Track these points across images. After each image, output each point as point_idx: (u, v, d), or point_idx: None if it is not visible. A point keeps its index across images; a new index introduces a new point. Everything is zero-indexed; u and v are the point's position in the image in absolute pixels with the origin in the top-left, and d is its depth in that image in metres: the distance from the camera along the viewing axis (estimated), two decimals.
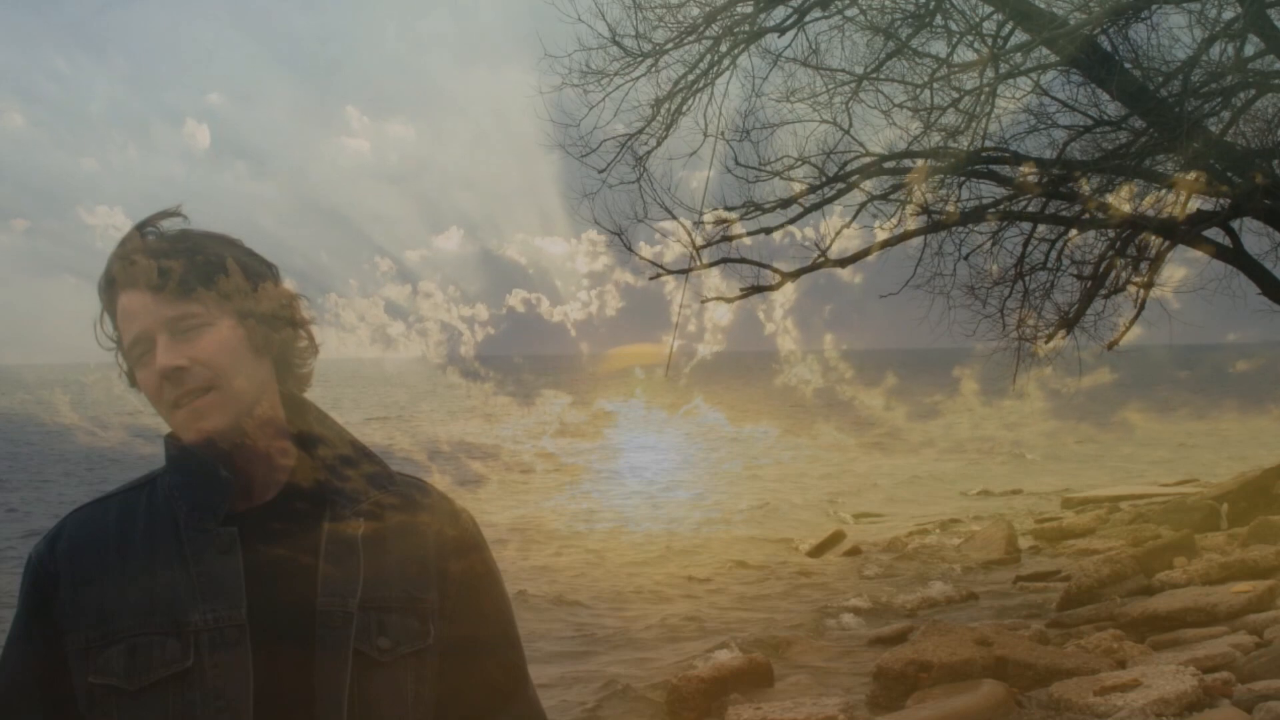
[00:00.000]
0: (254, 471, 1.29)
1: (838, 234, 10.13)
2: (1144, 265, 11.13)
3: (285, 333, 1.33)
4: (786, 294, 10.20)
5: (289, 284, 1.38)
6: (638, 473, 22.61)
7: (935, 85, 9.01)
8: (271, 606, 1.21)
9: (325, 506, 1.29)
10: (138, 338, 1.26)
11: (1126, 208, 9.74)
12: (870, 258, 10.17)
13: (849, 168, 9.87)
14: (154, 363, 1.25)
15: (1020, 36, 8.78)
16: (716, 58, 9.47)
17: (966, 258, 10.95)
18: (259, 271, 1.32)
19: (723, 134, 9.79)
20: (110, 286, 1.28)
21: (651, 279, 10.18)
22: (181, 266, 1.26)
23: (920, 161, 9.57)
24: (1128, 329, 11.56)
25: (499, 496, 18.74)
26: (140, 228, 1.29)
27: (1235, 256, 9.88)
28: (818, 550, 12.75)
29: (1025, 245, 11.13)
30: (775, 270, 10.23)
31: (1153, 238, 10.32)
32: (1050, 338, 11.37)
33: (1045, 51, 8.41)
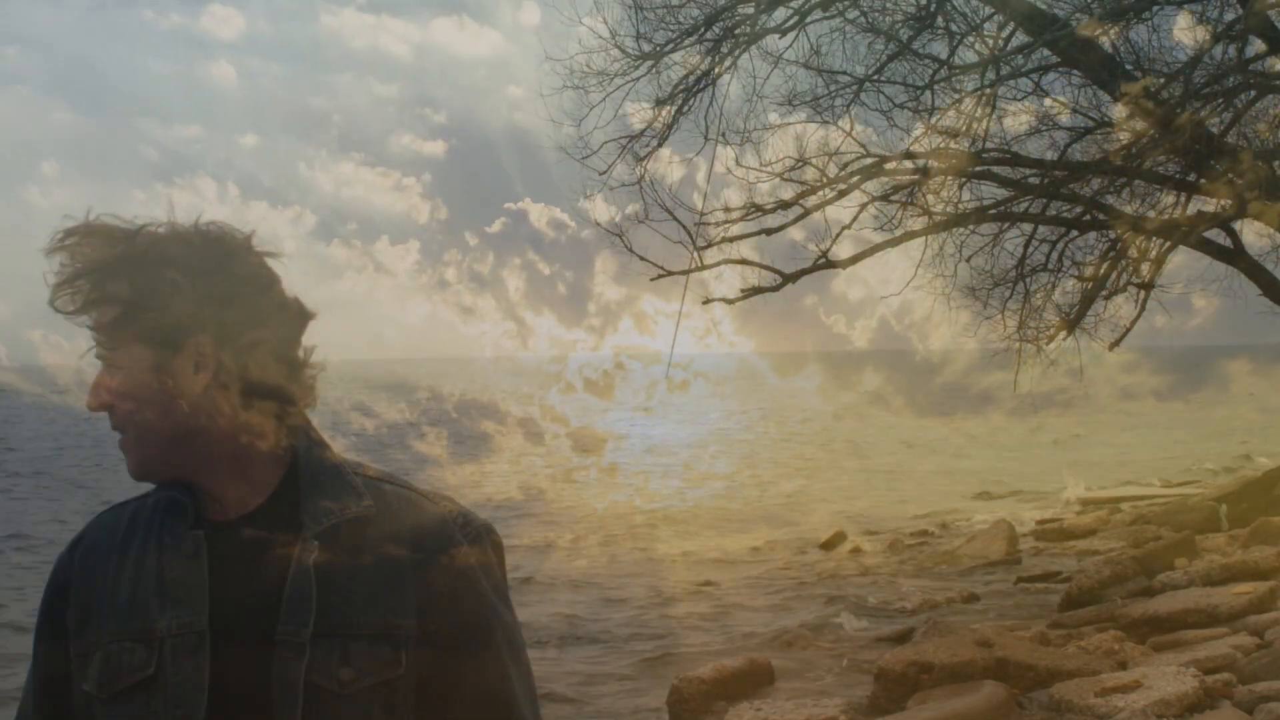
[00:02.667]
0: (224, 492, 1.22)
1: (838, 235, 10.15)
2: (1144, 266, 11.15)
3: (246, 356, 1.18)
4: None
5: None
6: (637, 466, 22.64)
7: (936, 87, 9.03)
8: (233, 621, 1.17)
9: (299, 526, 1.21)
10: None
11: (1128, 209, 9.75)
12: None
13: (850, 169, 9.88)
14: None
15: (1021, 38, 8.79)
16: (717, 59, 9.48)
17: (969, 259, 10.97)
18: (205, 294, 1.16)
19: (723, 135, 9.81)
20: None
21: (653, 280, 10.21)
22: (99, 293, 1.15)
23: (921, 163, 9.58)
24: (1129, 329, 11.58)
25: (504, 477, 18.77)
26: (68, 234, 1.15)
27: (1236, 257, 9.89)
28: (820, 550, 12.76)
29: (1026, 246, 11.15)
30: (776, 271, 10.25)
31: (1153, 239, 10.34)
32: (1051, 339, 11.39)
33: (1046, 53, 8.42)
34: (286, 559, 1.19)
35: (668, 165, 10.14)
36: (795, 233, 10.20)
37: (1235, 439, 24.06)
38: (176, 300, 1.15)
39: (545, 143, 9.86)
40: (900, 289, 11.04)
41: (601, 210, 10.11)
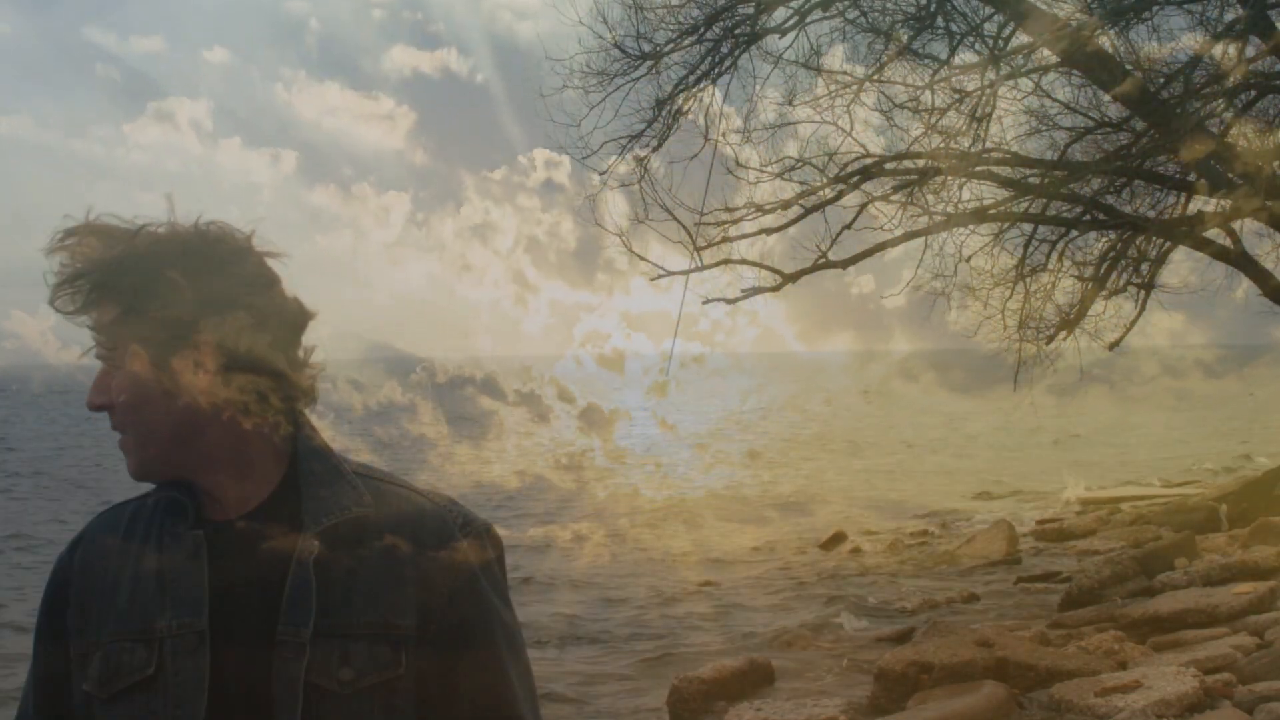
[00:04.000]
0: (224, 491, 1.23)
1: (838, 235, 10.15)
2: (1145, 266, 11.16)
3: (246, 356, 1.18)
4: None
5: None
6: (645, 451, 22.65)
7: (936, 87, 9.02)
8: (233, 621, 1.17)
9: (299, 526, 1.21)
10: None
11: (1128, 209, 9.75)
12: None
13: (850, 169, 9.89)
14: None
15: (1021, 38, 8.79)
16: (717, 59, 9.48)
17: (969, 259, 10.98)
18: (205, 295, 1.16)
19: (724, 135, 9.81)
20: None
21: (653, 280, 10.21)
22: (99, 293, 1.16)
23: (921, 163, 9.58)
24: (1129, 329, 11.58)
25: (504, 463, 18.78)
26: (68, 234, 1.17)
27: (1236, 257, 9.89)
28: (820, 549, 12.77)
29: (1026, 246, 11.15)
30: (776, 271, 10.25)
31: (1153, 239, 10.34)
32: (1051, 339, 11.39)
33: (1046, 53, 8.42)
34: (286, 558, 1.19)
35: (668, 165, 10.14)
36: (795, 232, 10.21)
37: (1235, 439, 24.08)
38: (176, 300, 1.15)
39: (553, 81, 9.83)
40: (900, 289, 11.06)
41: (607, 196, 10.06)
